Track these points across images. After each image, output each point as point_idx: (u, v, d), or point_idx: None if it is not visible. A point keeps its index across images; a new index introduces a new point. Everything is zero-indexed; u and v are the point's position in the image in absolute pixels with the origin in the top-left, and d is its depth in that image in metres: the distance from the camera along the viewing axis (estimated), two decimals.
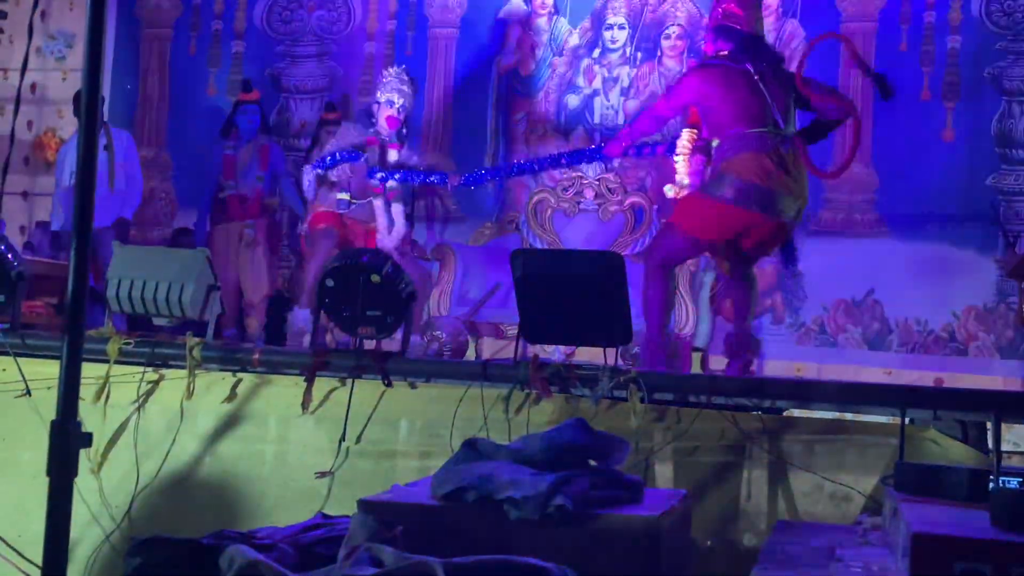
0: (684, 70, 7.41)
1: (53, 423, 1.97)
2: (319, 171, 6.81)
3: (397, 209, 6.88)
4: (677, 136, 5.51)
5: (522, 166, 6.91)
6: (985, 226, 6.67)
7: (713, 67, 5.05)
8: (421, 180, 6.98)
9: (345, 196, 6.84)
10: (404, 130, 7.08)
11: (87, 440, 2.01)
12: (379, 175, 6.82)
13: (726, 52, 5.05)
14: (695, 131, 5.25)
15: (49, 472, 1.97)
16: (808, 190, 5.07)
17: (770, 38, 7.26)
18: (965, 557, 1.94)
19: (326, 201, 6.90)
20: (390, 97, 6.92)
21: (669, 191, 5.38)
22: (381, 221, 6.82)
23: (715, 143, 5.01)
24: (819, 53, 6.92)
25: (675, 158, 5.30)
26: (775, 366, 6.88)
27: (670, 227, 5.09)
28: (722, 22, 5.10)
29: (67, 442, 1.98)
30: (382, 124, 6.88)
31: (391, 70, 7.14)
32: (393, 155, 6.91)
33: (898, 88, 6.92)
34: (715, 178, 4.92)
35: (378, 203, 6.83)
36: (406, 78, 7.07)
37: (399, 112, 6.94)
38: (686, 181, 5.22)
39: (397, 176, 6.86)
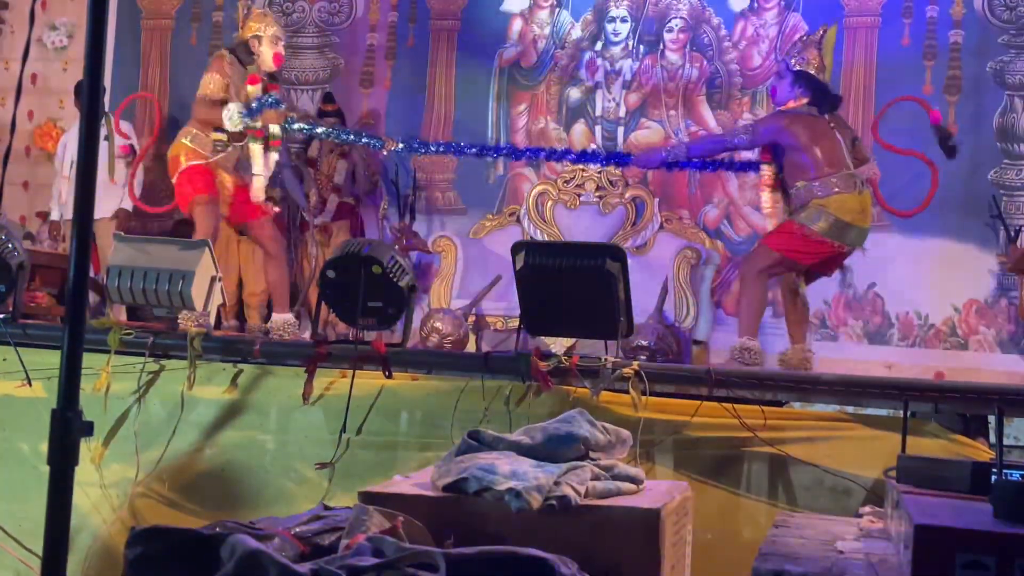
0: (685, 63, 7.42)
1: (54, 412, 1.96)
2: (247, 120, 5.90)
3: (272, 159, 6.08)
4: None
5: (516, 151, 6.88)
6: (986, 220, 6.65)
7: (800, 114, 5.44)
8: (353, 140, 6.61)
9: (222, 137, 5.93)
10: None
11: (88, 429, 2.00)
12: (297, 126, 6.28)
13: (806, 100, 5.46)
14: (773, 167, 5.62)
15: (50, 461, 1.96)
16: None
17: (772, 32, 7.29)
18: (968, 549, 1.94)
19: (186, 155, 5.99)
20: (276, 32, 6.17)
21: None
22: (258, 166, 5.98)
23: (801, 184, 5.35)
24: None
25: (761, 192, 5.74)
26: (775, 360, 6.86)
27: (766, 247, 5.47)
28: (801, 68, 5.50)
29: (68, 431, 1.97)
30: (268, 62, 6.09)
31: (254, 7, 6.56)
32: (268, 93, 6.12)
33: (900, 83, 6.96)
34: (810, 212, 5.28)
35: (256, 146, 5.97)
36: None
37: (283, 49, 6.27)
38: (768, 210, 5.70)
39: (320, 130, 6.47)
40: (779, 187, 5.60)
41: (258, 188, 6.00)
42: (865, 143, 5.89)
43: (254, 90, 5.94)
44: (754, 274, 5.40)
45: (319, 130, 6.52)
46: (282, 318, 6.04)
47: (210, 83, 6.01)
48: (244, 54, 6.12)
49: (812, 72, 5.46)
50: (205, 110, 5.97)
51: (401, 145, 6.32)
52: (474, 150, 6.47)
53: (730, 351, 5.47)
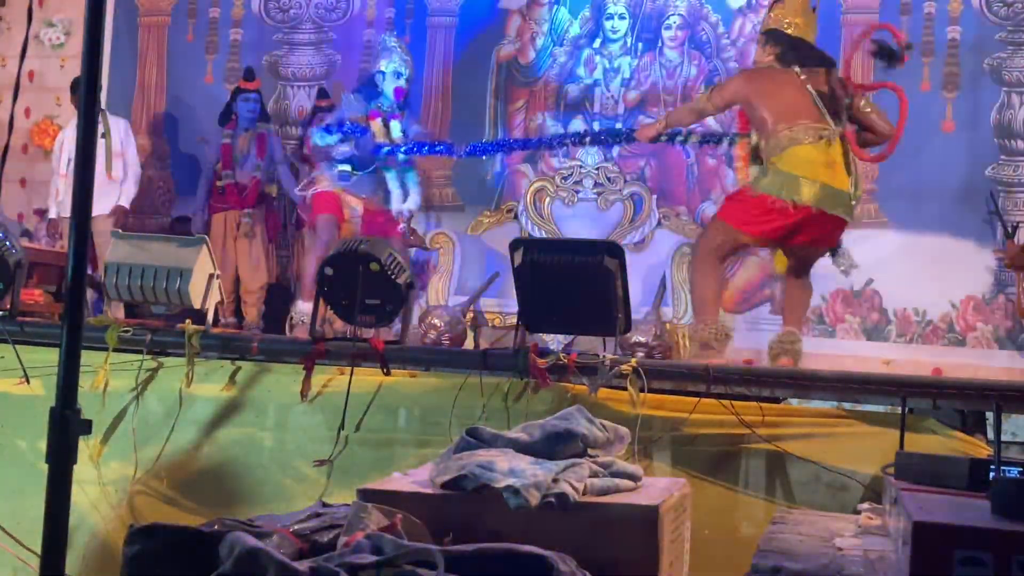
0: (683, 61, 7.42)
1: (52, 410, 1.96)
2: (327, 136, 6.73)
3: (411, 178, 6.87)
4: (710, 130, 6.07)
5: (533, 142, 6.92)
6: (984, 217, 6.66)
7: (759, 69, 5.28)
8: (428, 150, 6.92)
9: (347, 168, 6.73)
10: (407, 100, 7.06)
11: (87, 427, 2.00)
12: (385, 149, 6.76)
13: (774, 55, 5.21)
14: (747, 138, 5.40)
15: (49, 459, 1.96)
16: (861, 186, 5.22)
17: None
18: (966, 545, 1.94)
19: (326, 176, 6.81)
20: (398, 68, 6.87)
21: None
22: (395, 191, 6.79)
23: (761, 142, 5.09)
24: (819, 46, 6.97)
25: (737, 172, 5.69)
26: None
27: (713, 219, 5.22)
28: (771, 26, 5.29)
29: (66, 429, 1.97)
30: (389, 95, 6.83)
31: (392, 40, 7.08)
32: (396, 127, 6.87)
33: (897, 79, 6.96)
34: (759, 171, 5.03)
35: (388, 174, 6.80)
36: (406, 47, 7.08)
37: (406, 83, 6.90)
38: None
39: (403, 149, 6.82)
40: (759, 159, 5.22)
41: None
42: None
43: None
44: (703, 253, 5.07)
45: (401, 149, 6.86)
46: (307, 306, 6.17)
47: None
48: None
49: (782, 29, 5.21)
50: None
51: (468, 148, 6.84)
52: (526, 144, 6.77)
53: (690, 335, 5.26)
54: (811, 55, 5.26)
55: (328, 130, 6.72)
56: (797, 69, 5.14)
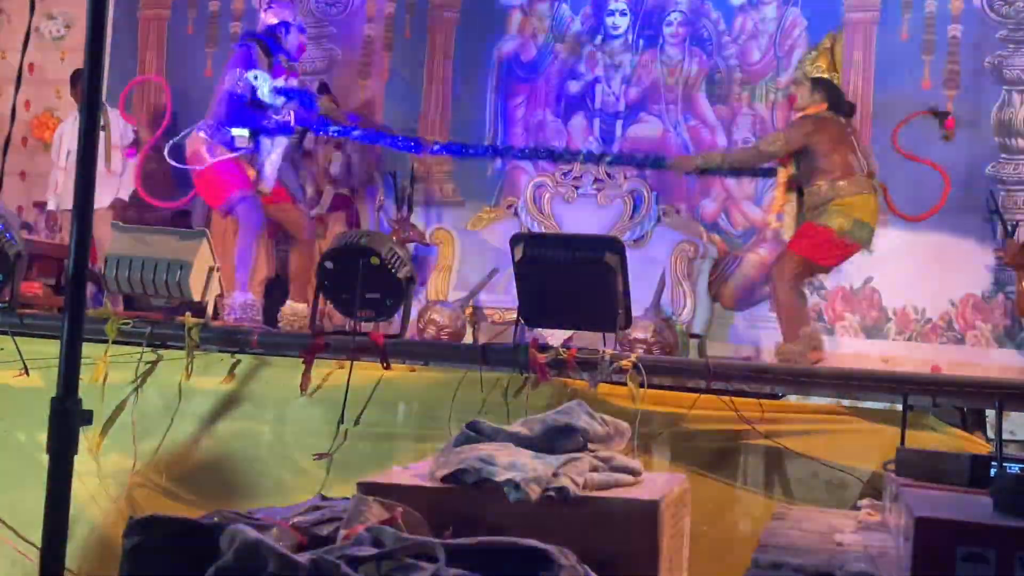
0: (684, 58, 7.41)
1: (53, 400, 1.96)
2: (276, 96, 6.05)
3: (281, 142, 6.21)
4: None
5: (542, 151, 6.96)
6: (984, 215, 6.66)
7: (825, 119, 5.63)
8: (391, 143, 6.72)
9: (243, 134, 6.00)
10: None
11: (87, 418, 2.00)
12: (334, 128, 6.39)
13: (825, 105, 5.66)
14: (789, 170, 5.76)
15: (49, 449, 1.95)
16: None
17: (771, 27, 7.28)
18: (968, 541, 1.94)
19: (210, 140, 6.04)
20: (301, 21, 6.36)
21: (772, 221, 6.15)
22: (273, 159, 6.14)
23: (821, 184, 5.52)
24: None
25: (775, 192, 5.89)
26: (772, 353, 6.86)
27: (792, 252, 5.60)
28: (819, 75, 5.72)
29: (67, 419, 1.97)
30: (293, 52, 6.30)
31: None
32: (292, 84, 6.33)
33: (898, 77, 6.97)
34: (831, 213, 5.46)
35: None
36: None
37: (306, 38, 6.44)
38: (778, 211, 5.89)
39: (356, 133, 6.58)
40: (793, 187, 5.73)
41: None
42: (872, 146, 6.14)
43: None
44: (786, 282, 5.54)
45: (355, 133, 6.60)
46: (295, 308, 6.04)
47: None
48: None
49: (827, 78, 5.68)
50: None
51: (437, 146, 6.59)
52: (514, 154, 6.75)
53: (776, 354, 5.56)
54: (850, 109, 5.83)
55: (287, 93, 6.11)
56: (844, 120, 5.69)
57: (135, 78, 7.80)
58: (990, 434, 4.30)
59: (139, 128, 7.73)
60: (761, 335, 7.10)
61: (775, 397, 4.40)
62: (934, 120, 6.77)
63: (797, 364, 5.08)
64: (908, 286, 6.89)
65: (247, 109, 6.07)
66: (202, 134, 6.01)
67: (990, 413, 4.21)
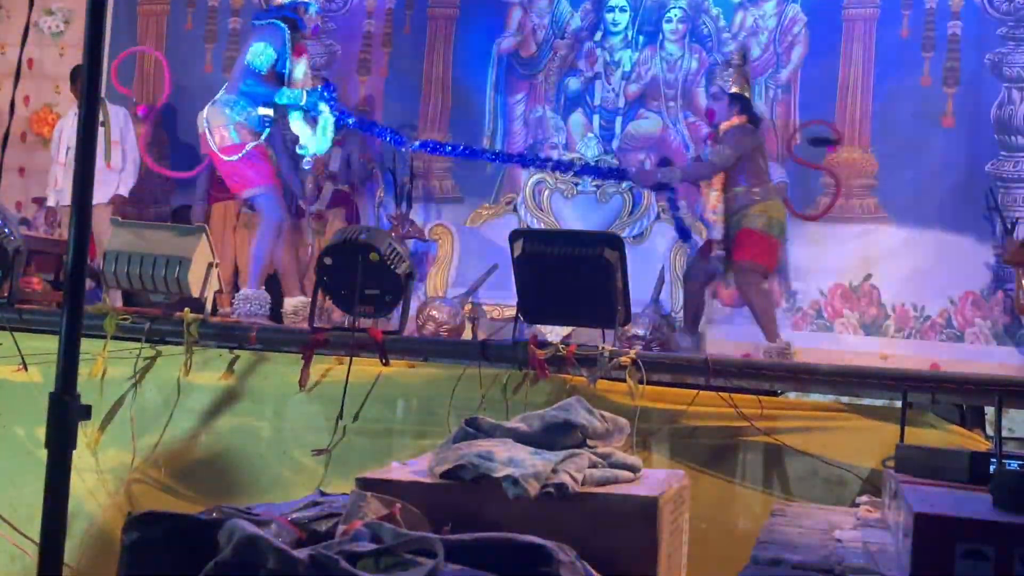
0: (684, 54, 7.41)
1: (51, 395, 1.95)
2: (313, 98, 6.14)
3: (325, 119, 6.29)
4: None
5: (516, 157, 6.99)
6: (983, 212, 6.65)
7: (749, 129, 6.22)
8: (378, 133, 6.78)
9: (269, 113, 6.02)
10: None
11: (86, 412, 1.99)
12: (341, 119, 6.41)
13: (746, 118, 6.20)
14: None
15: (48, 444, 1.95)
16: None
17: (771, 23, 7.27)
18: (967, 538, 1.94)
19: (237, 122, 5.96)
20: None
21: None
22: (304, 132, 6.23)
23: (741, 190, 6.11)
24: (820, 41, 7.01)
25: (712, 193, 6.23)
26: (771, 350, 6.87)
27: (749, 262, 6.12)
28: (737, 91, 6.25)
29: (66, 414, 1.96)
30: (309, 29, 6.38)
31: None
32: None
33: (898, 74, 6.97)
34: (759, 217, 6.07)
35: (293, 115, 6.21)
36: None
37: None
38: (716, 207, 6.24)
39: (351, 120, 6.59)
40: (722, 189, 6.19)
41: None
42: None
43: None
44: (753, 289, 6.12)
45: (350, 120, 6.57)
46: (294, 302, 6.03)
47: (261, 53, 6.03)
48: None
49: (742, 93, 6.23)
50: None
51: (417, 143, 6.67)
52: (486, 156, 6.79)
53: (764, 355, 5.90)
54: (759, 120, 6.43)
55: (329, 89, 6.23)
56: (757, 132, 6.29)
57: (128, 50, 7.74)
58: (989, 431, 4.30)
59: (139, 124, 7.71)
60: (760, 332, 7.11)
61: (774, 394, 4.40)
62: (928, 115, 6.81)
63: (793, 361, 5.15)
64: (907, 283, 6.89)
65: (268, 84, 6.05)
66: (226, 111, 5.97)
67: (989, 410, 4.21)
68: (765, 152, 6.29)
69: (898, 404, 3.98)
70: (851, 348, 6.79)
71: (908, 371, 4.61)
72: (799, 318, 7.09)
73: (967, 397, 4.12)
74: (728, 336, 7.08)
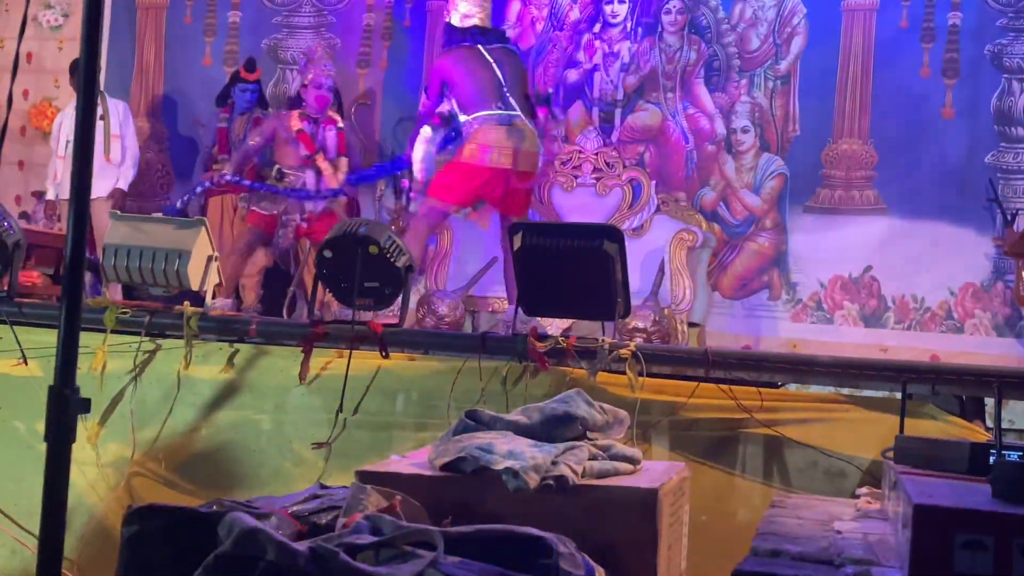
0: (683, 46, 7.40)
1: (51, 388, 1.95)
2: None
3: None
4: None
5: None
6: (984, 204, 6.65)
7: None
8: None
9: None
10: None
11: (85, 406, 1.99)
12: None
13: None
14: None
15: (47, 437, 1.95)
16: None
17: (770, 14, 7.26)
18: (967, 529, 1.94)
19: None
20: (319, 76, 6.82)
21: None
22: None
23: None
24: (819, 32, 7.00)
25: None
26: (771, 342, 6.88)
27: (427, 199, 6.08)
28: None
29: (65, 407, 1.96)
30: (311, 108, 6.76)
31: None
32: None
33: (898, 66, 6.97)
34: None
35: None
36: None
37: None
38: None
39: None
40: None
41: None
42: None
43: None
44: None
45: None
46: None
47: None
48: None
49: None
50: None
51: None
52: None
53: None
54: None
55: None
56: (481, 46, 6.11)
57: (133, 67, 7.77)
58: (989, 423, 4.30)
59: (139, 118, 7.70)
60: (761, 324, 7.11)
61: (774, 386, 4.40)
62: (928, 107, 6.80)
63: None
64: (907, 275, 6.89)
65: None
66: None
67: (989, 401, 4.21)
68: (482, 76, 6.04)
69: (898, 395, 3.98)
70: (851, 340, 6.79)
71: (907, 363, 4.61)
72: (799, 310, 7.09)
73: (967, 388, 4.12)
74: (728, 328, 7.08)
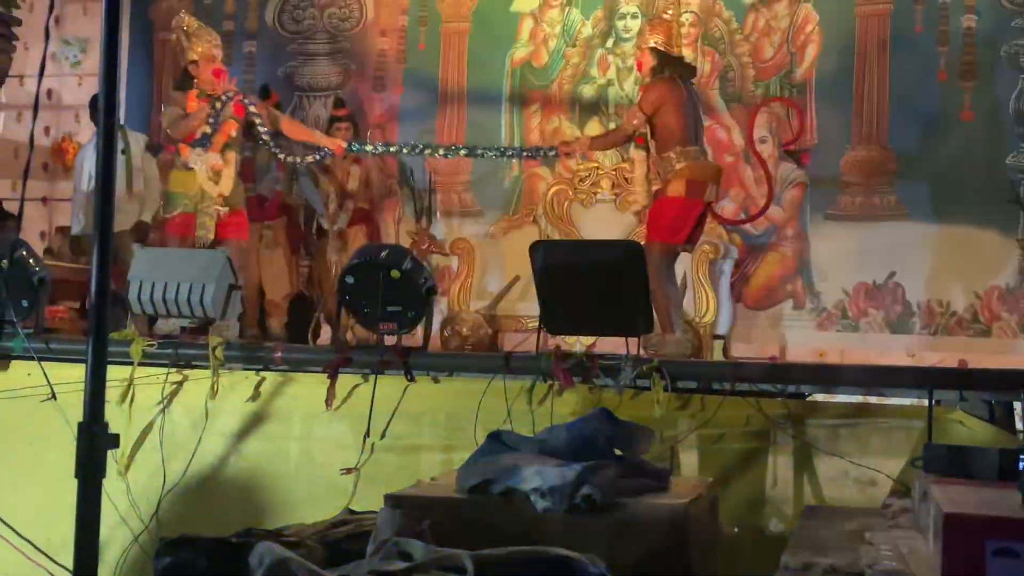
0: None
1: (80, 425, 1.98)
2: None
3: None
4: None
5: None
6: (1006, 205, 6.61)
7: (667, 87, 5.72)
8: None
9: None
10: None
11: (114, 441, 2.02)
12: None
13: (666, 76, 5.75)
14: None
15: (77, 474, 1.97)
16: None
17: (783, 24, 7.26)
18: (997, 536, 1.93)
19: None
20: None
21: None
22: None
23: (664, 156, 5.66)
24: (833, 39, 6.99)
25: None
26: (798, 352, 6.85)
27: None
28: (651, 46, 5.79)
29: (95, 444, 1.99)
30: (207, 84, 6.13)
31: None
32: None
33: (914, 70, 6.95)
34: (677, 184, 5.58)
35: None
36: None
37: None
38: None
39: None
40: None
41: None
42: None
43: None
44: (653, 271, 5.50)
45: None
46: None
47: None
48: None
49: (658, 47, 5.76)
50: None
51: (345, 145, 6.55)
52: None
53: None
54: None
55: None
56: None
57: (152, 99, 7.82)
58: (1020, 425, 4.27)
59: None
60: (787, 334, 7.08)
61: (801, 396, 4.39)
62: (946, 110, 6.77)
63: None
64: (932, 279, 6.86)
65: None
66: None
67: (1019, 405, 4.18)
68: (691, 112, 5.69)
69: (926, 402, 3.96)
70: (878, 347, 6.75)
71: (934, 369, 4.59)
72: (824, 318, 7.06)
73: (995, 393, 4.09)
74: (754, 339, 7.06)
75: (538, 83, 7.78)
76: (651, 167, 5.86)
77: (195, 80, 6.17)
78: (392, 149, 6.89)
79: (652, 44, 5.74)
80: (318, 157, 6.52)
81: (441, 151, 6.69)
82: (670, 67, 5.74)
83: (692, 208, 5.56)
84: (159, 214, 6.47)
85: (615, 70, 7.63)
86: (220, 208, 6.02)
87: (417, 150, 6.64)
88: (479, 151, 6.64)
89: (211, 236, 5.98)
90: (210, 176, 5.99)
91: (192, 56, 6.17)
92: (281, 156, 6.43)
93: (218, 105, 6.05)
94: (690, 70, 6.01)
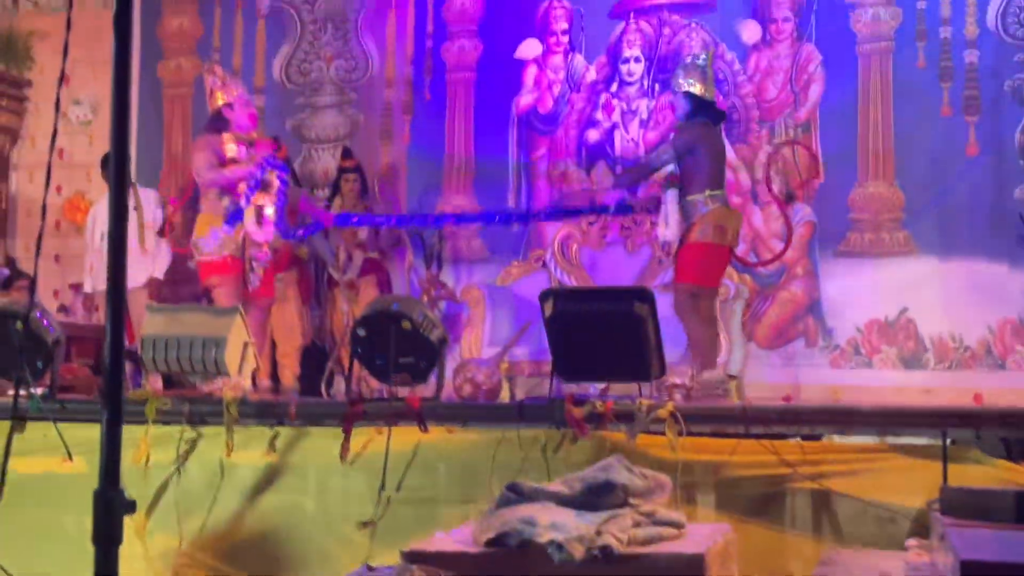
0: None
1: (96, 493, 1.98)
2: None
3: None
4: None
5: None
6: (1015, 238, 6.61)
7: (700, 131, 5.87)
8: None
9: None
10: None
11: (131, 506, 2.01)
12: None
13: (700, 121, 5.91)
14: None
15: (94, 541, 1.97)
16: None
17: (786, 64, 7.30)
18: None
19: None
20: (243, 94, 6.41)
21: None
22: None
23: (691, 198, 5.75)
24: (836, 78, 7.02)
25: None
26: (812, 390, 6.83)
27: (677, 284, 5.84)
28: (686, 90, 5.94)
29: (111, 511, 1.99)
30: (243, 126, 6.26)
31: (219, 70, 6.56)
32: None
33: (918, 106, 6.98)
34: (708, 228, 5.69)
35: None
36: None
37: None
38: None
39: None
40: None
41: None
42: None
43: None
44: (687, 311, 5.68)
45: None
46: None
47: None
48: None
49: (692, 91, 5.90)
50: None
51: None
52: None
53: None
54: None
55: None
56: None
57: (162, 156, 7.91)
58: None
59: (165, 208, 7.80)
60: (800, 372, 7.06)
61: (816, 438, 4.37)
62: (951, 145, 6.79)
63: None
64: (944, 314, 6.85)
65: None
66: None
67: None
68: (719, 157, 5.89)
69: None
70: (892, 384, 6.73)
71: (948, 408, 4.58)
72: (837, 356, 7.05)
73: (1010, 430, 4.08)
74: (767, 378, 7.04)
75: (544, 129, 7.83)
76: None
77: (230, 123, 6.26)
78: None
79: (687, 89, 5.88)
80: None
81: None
82: (703, 112, 5.87)
83: (719, 252, 5.74)
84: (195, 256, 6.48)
85: (620, 113, 7.68)
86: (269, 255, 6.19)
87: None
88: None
89: (258, 284, 6.15)
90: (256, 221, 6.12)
91: (227, 99, 6.28)
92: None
93: (259, 174, 6.17)
94: (721, 116, 6.15)
